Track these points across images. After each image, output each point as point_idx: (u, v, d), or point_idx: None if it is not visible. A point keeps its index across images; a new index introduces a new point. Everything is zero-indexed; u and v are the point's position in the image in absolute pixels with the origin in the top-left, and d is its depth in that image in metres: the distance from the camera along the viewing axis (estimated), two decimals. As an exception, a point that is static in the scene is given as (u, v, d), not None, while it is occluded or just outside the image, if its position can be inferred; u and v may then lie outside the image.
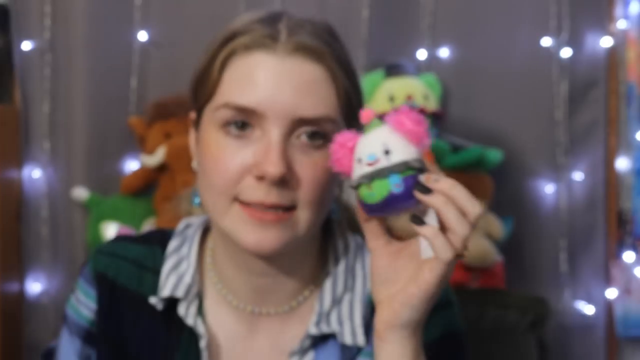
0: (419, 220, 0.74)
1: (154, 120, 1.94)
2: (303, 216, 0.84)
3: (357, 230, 0.96)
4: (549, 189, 2.01)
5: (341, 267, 0.93)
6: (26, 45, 2.01)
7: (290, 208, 0.83)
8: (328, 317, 0.90)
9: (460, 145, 1.93)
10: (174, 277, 0.93)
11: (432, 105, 1.93)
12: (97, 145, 2.00)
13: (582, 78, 2.02)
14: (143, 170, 1.94)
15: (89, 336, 0.97)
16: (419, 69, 2.01)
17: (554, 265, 2.01)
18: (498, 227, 1.89)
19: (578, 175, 2.02)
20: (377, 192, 0.73)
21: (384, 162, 0.73)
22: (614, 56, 2.02)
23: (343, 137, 0.77)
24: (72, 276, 1.99)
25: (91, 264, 0.97)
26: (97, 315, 0.95)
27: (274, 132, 0.81)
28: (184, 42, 2.02)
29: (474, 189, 1.89)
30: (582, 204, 2.02)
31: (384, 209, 0.74)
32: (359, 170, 0.74)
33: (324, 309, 0.91)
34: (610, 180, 2.04)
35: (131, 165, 2.01)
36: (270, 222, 0.82)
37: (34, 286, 2.02)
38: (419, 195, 0.73)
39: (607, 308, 2.03)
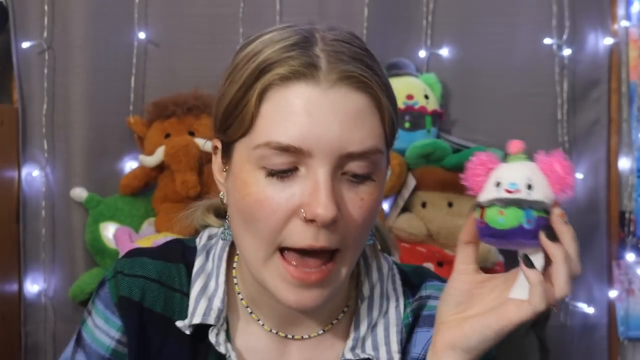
0: (529, 262, 0.72)
1: (153, 120, 1.94)
2: (346, 262, 0.80)
3: (386, 252, 0.95)
4: (550, 189, 2.00)
5: (377, 291, 0.91)
6: (25, 45, 2.00)
7: (333, 252, 0.79)
8: (363, 343, 0.88)
9: (460, 145, 1.92)
10: (204, 301, 0.88)
11: (432, 105, 1.92)
12: (96, 145, 1.99)
13: (583, 77, 2.01)
14: (142, 170, 1.93)
15: None
16: (419, 69, 2.01)
17: (555, 265, 2.00)
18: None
19: (579, 175, 2.01)
20: (508, 219, 0.71)
21: (524, 195, 0.71)
22: (615, 55, 2.02)
23: (485, 156, 0.74)
24: (71, 276, 1.98)
25: (112, 288, 0.90)
26: (129, 343, 0.89)
27: (320, 171, 0.75)
28: (184, 42, 2.02)
29: (475, 189, 1.89)
30: (584, 204, 2.02)
31: (504, 237, 0.71)
32: (495, 193, 0.72)
33: (360, 334, 0.88)
34: (612, 180, 2.03)
35: (130, 165, 2.01)
36: (315, 281, 0.78)
37: (33, 286, 2.01)
38: (544, 239, 0.71)
39: (609, 308, 2.02)
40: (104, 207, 1.93)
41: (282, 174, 0.76)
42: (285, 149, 0.75)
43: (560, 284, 0.71)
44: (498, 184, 0.72)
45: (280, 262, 0.78)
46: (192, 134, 1.91)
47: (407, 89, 1.90)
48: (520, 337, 1.70)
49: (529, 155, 0.73)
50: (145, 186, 1.94)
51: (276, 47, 0.77)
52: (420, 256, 1.82)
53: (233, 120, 0.79)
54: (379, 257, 0.92)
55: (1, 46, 2.04)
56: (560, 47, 1.99)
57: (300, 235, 0.76)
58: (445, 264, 1.82)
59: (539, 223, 0.71)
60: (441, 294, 0.80)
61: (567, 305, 2.00)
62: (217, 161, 0.86)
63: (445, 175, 1.84)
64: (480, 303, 0.77)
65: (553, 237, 0.71)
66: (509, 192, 0.71)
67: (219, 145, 0.84)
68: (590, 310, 2.00)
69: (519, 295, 0.73)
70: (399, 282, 0.92)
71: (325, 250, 0.78)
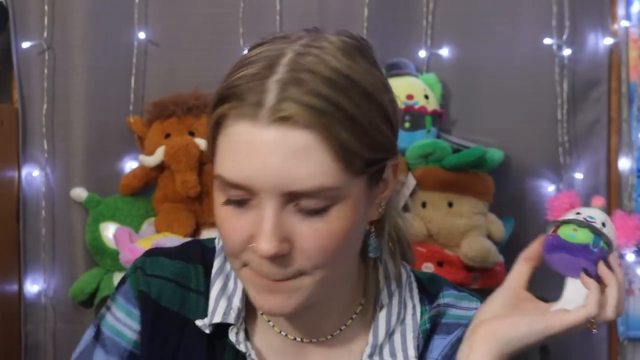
0: (589, 274, 0.80)
1: (153, 120, 1.94)
2: (314, 280, 0.79)
3: (406, 257, 0.96)
4: (550, 189, 2.00)
5: (395, 299, 0.91)
6: (25, 45, 2.00)
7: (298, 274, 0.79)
8: (381, 350, 0.89)
9: (460, 145, 1.92)
10: (224, 301, 0.89)
11: (432, 105, 1.92)
12: (96, 145, 1.99)
13: (583, 77, 2.01)
14: (142, 170, 1.93)
15: (131, 358, 0.91)
16: (419, 69, 2.01)
17: (555, 265, 2.00)
18: (499, 227, 1.88)
19: (579, 175, 2.01)
20: (579, 236, 0.79)
21: (598, 225, 0.81)
22: (615, 55, 2.02)
23: (572, 194, 0.85)
24: (71, 276, 1.98)
25: (132, 282, 0.92)
26: (142, 336, 0.91)
27: (266, 207, 0.75)
28: (184, 42, 2.02)
29: (475, 189, 1.90)
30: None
31: (569, 251, 0.79)
32: (573, 216, 0.82)
33: (378, 341, 0.89)
34: (612, 180, 2.03)
35: (130, 165, 2.01)
36: (279, 290, 0.79)
37: (33, 286, 2.01)
38: (601, 266, 0.80)
39: (609, 309, 2.01)
40: (104, 207, 1.93)
41: (238, 203, 0.77)
42: (232, 185, 0.76)
43: (610, 306, 0.79)
44: (578, 214, 0.82)
45: (249, 272, 0.80)
46: (192, 134, 1.91)
47: (407, 89, 1.90)
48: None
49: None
50: (145, 186, 1.94)
51: (238, 74, 0.76)
52: (420, 256, 1.82)
53: (208, 141, 0.82)
54: (397, 265, 0.93)
55: (1, 46, 2.04)
56: (560, 47, 1.98)
57: (257, 264, 0.78)
58: (445, 264, 1.82)
59: (601, 252, 0.80)
60: (466, 302, 0.88)
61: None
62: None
63: (445, 175, 1.84)
64: (524, 312, 0.82)
65: (610, 267, 0.80)
66: (586, 220, 0.81)
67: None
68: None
69: (569, 306, 0.80)
70: (415, 290, 0.93)
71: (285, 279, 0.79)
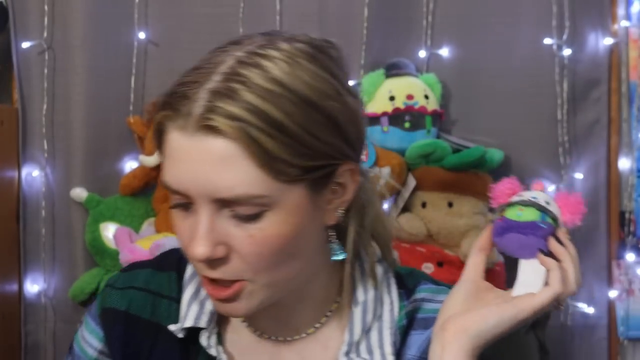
0: (545, 253, 0.81)
1: (153, 120, 1.93)
2: (258, 285, 0.80)
3: (384, 254, 0.95)
4: (550, 189, 2.00)
5: (370, 296, 0.91)
6: (25, 45, 2.00)
7: (241, 279, 0.80)
8: (358, 347, 0.89)
9: (460, 145, 1.92)
10: (196, 305, 0.90)
11: (432, 105, 1.92)
12: (96, 145, 1.99)
13: (583, 77, 2.01)
14: (142, 170, 1.93)
15: None
16: (419, 69, 2.01)
17: (555, 265, 2.00)
18: (499, 227, 1.88)
19: (579, 175, 2.01)
20: (526, 214, 0.81)
21: (542, 204, 0.82)
22: (615, 55, 2.02)
23: (514, 180, 0.86)
24: (71, 276, 1.98)
25: (98, 301, 0.95)
26: (111, 351, 0.93)
27: (201, 211, 0.77)
28: (184, 42, 2.02)
29: (475, 189, 1.90)
30: (584, 204, 2.01)
31: (518, 230, 0.81)
32: (518, 198, 0.83)
33: (353, 339, 0.89)
34: (612, 180, 2.03)
35: (130, 165, 2.01)
36: (225, 298, 0.80)
37: (33, 286, 2.01)
38: (552, 242, 0.81)
39: (609, 308, 2.02)
40: (104, 207, 1.93)
41: (183, 207, 0.80)
42: (173, 191, 0.79)
43: (569, 280, 0.79)
44: (521, 195, 0.83)
45: (203, 279, 0.82)
46: (192, 134, 1.91)
47: (407, 89, 1.90)
48: (520, 337, 1.70)
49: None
50: (145, 186, 1.94)
51: (181, 81, 0.79)
52: (420, 256, 1.82)
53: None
54: (373, 261, 0.93)
55: (1, 46, 2.04)
56: (560, 47, 1.98)
57: (199, 265, 0.80)
58: (445, 264, 1.82)
59: (550, 228, 0.81)
60: (443, 296, 0.85)
61: (567, 305, 2.00)
62: None
63: (445, 175, 1.84)
64: (488, 302, 0.81)
65: (560, 242, 0.80)
66: (530, 200, 0.82)
67: None
68: (590, 310, 2.00)
69: (524, 292, 0.80)
70: (394, 286, 0.93)
71: (225, 281, 0.80)
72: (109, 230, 1.91)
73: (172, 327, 0.90)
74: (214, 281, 0.81)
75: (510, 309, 0.78)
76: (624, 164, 2.02)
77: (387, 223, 0.94)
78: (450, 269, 1.81)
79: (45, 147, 2.00)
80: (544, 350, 1.77)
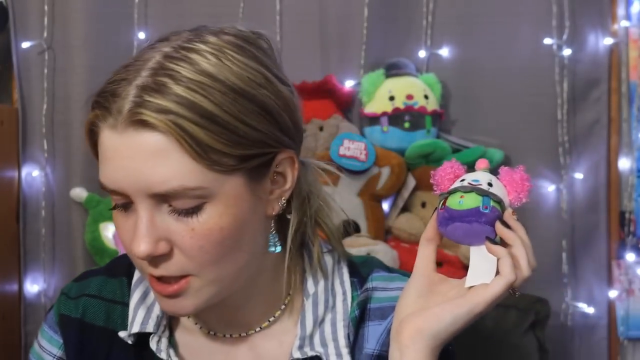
0: (493, 241, 0.77)
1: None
2: (205, 280, 0.80)
3: (332, 246, 0.94)
4: (550, 189, 2.00)
5: (321, 287, 0.90)
6: (25, 45, 2.00)
7: (186, 275, 0.80)
8: (311, 340, 0.88)
9: (460, 145, 1.92)
10: (142, 310, 0.90)
11: (432, 105, 1.92)
12: (96, 145, 1.99)
13: (583, 77, 2.01)
14: (142, 170, 1.93)
15: None
16: (419, 69, 2.01)
17: (555, 265, 2.00)
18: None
19: (579, 175, 2.01)
20: (467, 201, 0.77)
21: (484, 187, 0.79)
22: (615, 55, 2.02)
23: (454, 163, 0.83)
24: (71, 276, 1.97)
25: (55, 308, 0.95)
26: (67, 358, 0.93)
27: (139, 208, 0.77)
28: (184, 42, 2.02)
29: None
30: (584, 204, 2.01)
31: (461, 219, 0.77)
32: (459, 183, 0.80)
33: (306, 332, 0.88)
34: (612, 180, 2.03)
35: (130, 165, 2.01)
36: (171, 294, 0.80)
37: (33, 286, 2.01)
38: (499, 227, 0.77)
39: (609, 308, 2.02)
40: (104, 207, 1.93)
41: (123, 207, 0.79)
42: (110, 191, 0.78)
43: (521, 265, 0.76)
44: (462, 180, 0.80)
45: (149, 279, 0.81)
46: (192, 134, 1.91)
47: (407, 89, 1.90)
48: (520, 337, 1.70)
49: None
50: (145, 186, 1.94)
51: (112, 78, 0.80)
52: (420, 256, 1.82)
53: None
54: (320, 253, 0.92)
55: (1, 46, 2.04)
56: (560, 47, 1.98)
57: (143, 264, 0.79)
58: (445, 263, 1.82)
59: (494, 212, 0.77)
60: (396, 284, 0.85)
61: (567, 305, 2.00)
62: None
63: (445, 175, 1.84)
64: (440, 296, 0.79)
65: (507, 225, 0.78)
66: (471, 184, 0.79)
67: None
68: (590, 310, 2.00)
69: (477, 281, 0.77)
70: (346, 275, 0.92)
71: (170, 277, 0.79)
72: (109, 230, 1.91)
73: (121, 334, 0.89)
74: (159, 279, 0.80)
75: (464, 304, 0.76)
76: (624, 164, 2.02)
77: (333, 213, 0.93)
78: (450, 269, 1.80)
79: (45, 147, 2.00)
80: (543, 350, 1.77)
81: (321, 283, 0.90)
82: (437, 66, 2.02)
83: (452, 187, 0.80)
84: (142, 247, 0.76)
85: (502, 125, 2.00)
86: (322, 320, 0.89)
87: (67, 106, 2.00)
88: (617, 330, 2.00)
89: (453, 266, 1.81)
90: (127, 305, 0.92)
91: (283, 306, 0.91)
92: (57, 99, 2.01)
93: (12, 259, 2.00)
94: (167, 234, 0.77)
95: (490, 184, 0.79)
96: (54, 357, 0.94)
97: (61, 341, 0.93)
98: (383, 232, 1.87)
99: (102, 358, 0.91)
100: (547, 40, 1.99)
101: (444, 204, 0.79)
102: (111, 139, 0.76)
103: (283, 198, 0.85)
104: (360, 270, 0.93)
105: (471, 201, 0.77)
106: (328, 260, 0.92)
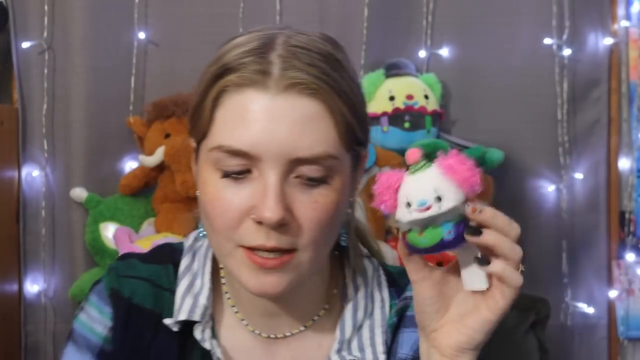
0: (485, 262, 0.73)
1: (153, 120, 1.94)
2: (305, 257, 0.81)
3: (372, 253, 0.96)
4: (550, 189, 2.00)
5: (361, 293, 0.92)
6: (25, 45, 2.00)
7: (292, 250, 0.80)
8: (349, 344, 0.89)
9: (460, 145, 1.92)
10: (190, 298, 0.90)
11: (432, 105, 1.92)
12: (96, 145, 1.99)
13: (583, 77, 2.01)
14: (142, 170, 1.93)
15: (102, 354, 0.92)
16: (419, 69, 2.01)
17: (555, 265, 2.00)
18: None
19: (579, 175, 2.01)
20: (428, 238, 0.72)
21: (435, 209, 0.71)
22: (615, 55, 2.02)
23: (388, 177, 0.73)
24: (71, 276, 1.98)
25: (106, 282, 0.94)
26: (113, 333, 0.92)
27: (270, 174, 0.77)
28: (184, 42, 2.02)
29: (475, 189, 1.89)
30: (584, 204, 2.02)
31: (432, 252, 0.73)
32: (408, 215, 0.72)
33: (345, 336, 0.89)
34: (612, 180, 2.03)
35: (130, 165, 2.01)
36: (273, 267, 0.80)
37: (33, 286, 2.01)
38: (470, 238, 0.72)
39: (609, 308, 2.02)
40: (104, 207, 1.93)
41: (236, 175, 0.79)
42: (236, 153, 0.78)
43: (509, 254, 0.72)
44: (409, 205, 0.72)
45: (243, 252, 0.80)
46: (192, 134, 1.91)
47: (407, 89, 1.90)
48: (520, 337, 1.70)
49: (430, 158, 0.73)
50: (145, 186, 1.94)
51: (234, 52, 0.80)
52: (420, 256, 1.82)
53: (195, 123, 0.83)
54: (360, 260, 0.93)
55: (1, 46, 2.04)
56: (560, 47, 1.98)
57: (253, 235, 0.79)
58: (445, 264, 1.81)
59: (458, 228, 0.71)
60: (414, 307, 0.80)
61: (567, 305, 2.00)
62: (193, 161, 0.89)
63: (445, 175, 1.84)
64: (457, 296, 0.78)
65: (476, 231, 0.72)
66: (420, 211, 0.71)
67: (194, 145, 0.87)
68: (590, 310, 2.00)
69: (475, 286, 0.75)
70: (384, 284, 0.93)
71: (280, 250, 0.79)
72: (109, 230, 1.91)
73: (167, 321, 0.90)
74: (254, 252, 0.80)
75: (489, 315, 0.75)
76: (624, 164, 2.02)
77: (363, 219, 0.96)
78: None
79: (45, 147, 2.00)
80: (543, 350, 1.77)
81: (362, 289, 0.92)
82: (437, 66, 2.02)
83: (402, 217, 0.72)
84: (276, 211, 0.76)
85: (502, 125, 2.00)
86: (361, 326, 0.90)
87: (67, 106, 2.00)
88: (617, 330, 2.00)
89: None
90: (173, 292, 0.91)
91: (323, 310, 0.92)
92: (57, 99, 2.01)
93: (12, 259, 2.00)
94: (291, 203, 0.78)
95: (439, 198, 0.71)
96: (105, 327, 0.92)
97: (112, 312, 0.92)
98: (383, 232, 1.87)
99: (147, 340, 0.91)
100: (547, 40, 1.99)
101: (403, 236, 0.74)
102: (259, 101, 0.77)
103: (353, 196, 0.87)
104: (398, 280, 0.94)
105: (432, 237, 0.72)
106: (367, 266, 0.94)
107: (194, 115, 0.84)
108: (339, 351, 0.88)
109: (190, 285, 0.92)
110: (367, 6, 1.97)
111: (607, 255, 2.02)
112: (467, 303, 0.77)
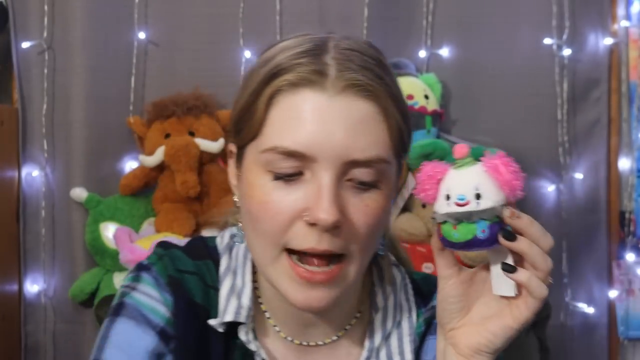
0: (511, 268, 0.74)
1: (153, 120, 1.94)
2: (353, 267, 0.80)
3: (401, 262, 0.97)
4: (550, 189, 2.01)
5: (390, 302, 0.92)
6: (25, 45, 2.00)
7: (339, 256, 0.79)
8: (378, 353, 0.90)
9: (460, 145, 1.92)
10: (234, 299, 0.88)
11: (432, 105, 1.92)
12: (96, 145, 1.99)
13: (583, 77, 2.01)
14: (142, 170, 1.93)
15: (164, 333, 0.86)
16: (419, 69, 2.01)
17: (555, 265, 1.99)
18: (499, 227, 1.88)
19: (579, 175, 2.01)
20: (462, 233, 0.73)
21: (473, 206, 0.72)
22: (615, 55, 2.02)
23: (433, 167, 0.75)
24: (71, 276, 1.98)
25: (160, 269, 0.88)
26: (175, 319, 0.86)
27: (324, 176, 0.77)
28: (184, 42, 2.02)
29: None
30: (584, 204, 2.02)
31: (463, 248, 0.73)
32: (446, 208, 0.73)
33: (374, 345, 0.89)
34: (612, 180, 2.03)
35: (130, 165, 2.01)
36: (320, 281, 0.79)
37: (33, 286, 2.01)
38: (504, 242, 0.72)
39: (609, 308, 2.02)
40: (104, 207, 1.93)
41: (288, 178, 0.78)
42: (291, 154, 0.77)
43: (539, 265, 0.73)
44: (448, 197, 0.73)
45: (288, 262, 0.79)
46: (192, 134, 1.91)
47: (407, 89, 1.90)
48: (520, 337, 1.70)
49: (476, 155, 0.74)
50: (145, 186, 1.94)
51: (288, 54, 0.79)
52: (420, 256, 1.82)
53: (244, 125, 0.81)
54: (391, 268, 0.93)
55: (1, 46, 2.04)
56: (560, 47, 1.99)
57: (304, 238, 0.78)
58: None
59: (493, 229, 0.72)
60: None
61: (567, 305, 2.00)
62: (231, 165, 0.87)
63: (445, 175, 1.84)
64: (481, 298, 0.78)
65: (510, 236, 0.72)
66: (459, 205, 0.72)
67: (234, 149, 0.86)
68: (590, 310, 2.00)
69: (503, 292, 0.76)
70: (411, 292, 0.94)
71: (329, 254, 0.78)
72: (109, 230, 1.91)
73: (212, 322, 0.87)
74: (307, 262, 0.79)
75: (512, 322, 0.76)
76: (624, 164, 2.02)
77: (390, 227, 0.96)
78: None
79: (45, 147, 2.00)
80: (544, 349, 1.77)
81: (391, 298, 0.92)
82: (437, 66, 2.02)
83: (440, 208, 0.74)
84: (331, 212, 0.75)
85: (502, 125, 2.00)
86: (389, 335, 0.91)
87: (67, 106, 2.00)
88: (617, 330, 2.00)
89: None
90: (216, 290, 0.89)
91: (355, 319, 0.91)
92: (57, 99, 2.01)
93: (12, 259, 2.00)
94: (344, 206, 0.78)
95: (478, 195, 0.72)
96: (167, 311, 0.86)
97: (172, 299, 0.86)
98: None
99: (198, 334, 0.87)
100: (547, 40, 1.99)
101: (438, 228, 0.75)
102: (316, 102, 0.77)
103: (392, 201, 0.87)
104: (422, 288, 0.95)
105: (465, 232, 0.72)
106: (396, 274, 0.94)
107: (241, 118, 0.82)
108: (367, 359, 0.89)
109: (233, 285, 0.89)
110: (367, 6, 1.98)
111: (607, 255, 2.02)
112: (491, 307, 0.77)
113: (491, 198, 0.72)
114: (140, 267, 0.90)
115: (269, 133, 0.79)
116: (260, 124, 0.79)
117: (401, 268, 0.95)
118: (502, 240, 0.72)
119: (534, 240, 0.73)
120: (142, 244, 1.79)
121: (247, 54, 2.00)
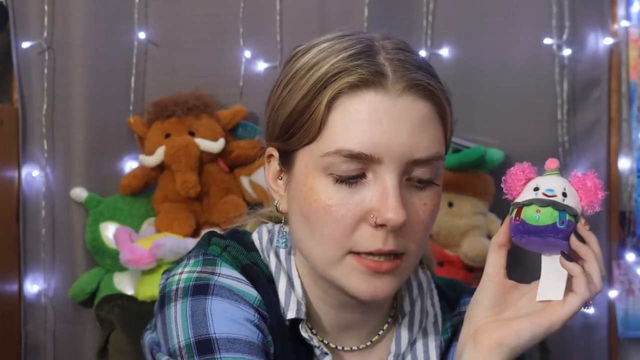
0: (568, 257, 0.76)
1: (153, 120, 1.94)
2: (410, 262, 0.82)
3: (424, 259, 0.97)
4: (551, 188, 2.00)
5: (417, 307, 0.92)
6: (25, 45, 2.00)
7: (401, 254, 0.81)
8: (403, 358, 0.90)
9: (460, 145, 1.92)
10: (294, 297, 0.87)
11: (433, 104, 1.92)
12: (96, 145, 1.99)
13: (583, 77, 2.01)
14: (142, 170, 1.93)
15: (259, 312, 0.84)
16: (419, 68, 2.00)
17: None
18: (499, 227, 1.88)
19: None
20: (543, 217, 0.76)
21: (559, 199, 0.77)
22: (615, 55, 2.02)
23: (524, 168, 0.81)
24: (71, 276, 1.98)
25: (228, 260, 0.86)
26: (265, 304, 0.84)
27: (389, 177, 0.78)
28: (184, 42, 2.02)
29: (475, 189, 1.90)
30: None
31: (538, 233, 0.76)
32: (533, 195, 0.78)
33: (400, 350, 0.89)
34: (612, 180, 2.03)
35: (130, 165, 2.01)
36: (387, 270, 0.80)
37: (33, 286, 2.01)
38: (575, 241, 0.76)
39: (609, 308, 2.02)
40: (104, 207, 1.93)
41: (351, 180, 0.78)
42: (355, 157, 0.77)
43: (595, 281, 0.75)
44: (536, 189, 0.78)
45: (354, 260, 0.80)
46: (192, 134, 1.91)
47: (407, 89, 1.90)
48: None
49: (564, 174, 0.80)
50: (145, 186, 1.94)
51: (341, 56, 0.80)
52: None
53: (297, 129, 0.81)
54: (418, 272, 0.93)
55: (1, 46, 2.04)
56: (560, 47, 1.98)
57: (370, 240, 0.79)
58: (446, 263, 1.82)
59: (570, 226, 0.77)
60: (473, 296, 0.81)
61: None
62: (271, 169, 0.87)
63: (446, 175, 1.84)
64: (514, 307, 0.79)
65: (582, 239, 0.76)
66: (546, 195, 0.77)
67: (275, 153, 0.85)
68: (590, 310, 2.00)
69: (549, 297, 0.77)
70: (436, 297, 0.94)
71: (394, 253, 0.80)
72: (109, 230, 1.91)
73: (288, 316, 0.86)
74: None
75: (542, 323, 0.75)
76: (624, 164, 2.02)
77: None
78: (450, 269, 1.81)
79: (45, 147, 2.00)
80: (544, 349, 1.77)
81: (418, 303, 0.92)
82: (437, 66, 1.99)
83: (526, 197, 0.78)
84: (400, 213, 0.77)
85: (502, 125, 2.00)
86: (415, 341, 0.90)
87: (67, 106, 2.00)
88: (617, 330, 2.00)
89: (454, 266, 1.81)
90: (273, 282, 0.87)
91: (386, 324, 0.91)
92: (57, 99, 2.01)
93: (12, 259, 1.99)
94: (407, 205, 0.79)
95: (564, 194, 0.77)
96: (256, 296, 0.84)
97: (256, 292, 0.84)
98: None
99: (269, 326, 0.85)
100: (547, 40, 1.99)
101: (518, 214, 0.78)
102: (377, 103, 0.78)
103: None
104: (447, 293, 0.95)
105: (548, 217, 0.76)
106: (423, 278, 0.94)
107: (294, 122, 0.81)
108: None
109: (289, 283, 0.88)
110: (367, 6, 1.97)
111: (607, 255, 2.02)
112: (523, 312, 0.78)
113: (574, 202, 0.78)
114: (206, 254, 0.87)
115: (330, 136, 0.79)
116: (319, 127, 0.79)
117: (427, 272, 0.95)
118: (573, 239, 0.76)
119: (595, 257, 0.76)
120: (142, 243, 1.79)
121: (247, 54, 1.99)
